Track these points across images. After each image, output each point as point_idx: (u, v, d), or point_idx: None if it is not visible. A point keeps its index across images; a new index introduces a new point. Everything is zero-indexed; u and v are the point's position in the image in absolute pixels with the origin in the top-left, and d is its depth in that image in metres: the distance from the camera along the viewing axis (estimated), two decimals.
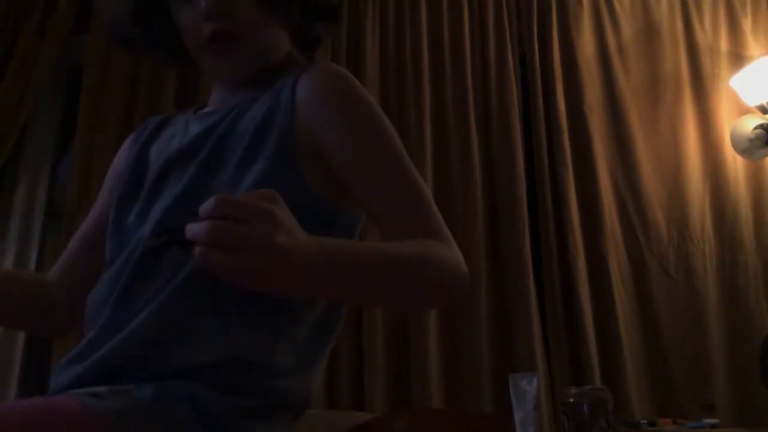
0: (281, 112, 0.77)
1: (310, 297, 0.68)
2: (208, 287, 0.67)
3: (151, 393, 0.63)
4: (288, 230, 0.56)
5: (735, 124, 2.31)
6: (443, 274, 0.71)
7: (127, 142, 0.97)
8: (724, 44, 2.43)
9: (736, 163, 2.28)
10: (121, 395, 0.62)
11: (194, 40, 0.82)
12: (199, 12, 0.79)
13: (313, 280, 0.60)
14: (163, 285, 0.70)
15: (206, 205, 0.53)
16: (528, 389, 1.55)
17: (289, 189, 0.70)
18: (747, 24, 2.46)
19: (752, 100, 2.26)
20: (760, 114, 2.26)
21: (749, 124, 2.27)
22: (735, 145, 2.29)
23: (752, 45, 2.43)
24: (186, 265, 0.69)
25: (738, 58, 2.39)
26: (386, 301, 0.70)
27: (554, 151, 2.26)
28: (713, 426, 1.72)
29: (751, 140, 2.24)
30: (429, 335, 2.03)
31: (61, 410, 0.58)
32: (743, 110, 2.32)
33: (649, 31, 2.45)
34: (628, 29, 2.45)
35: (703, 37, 2.43)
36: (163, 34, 0.86)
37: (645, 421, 1.77)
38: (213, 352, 0.67)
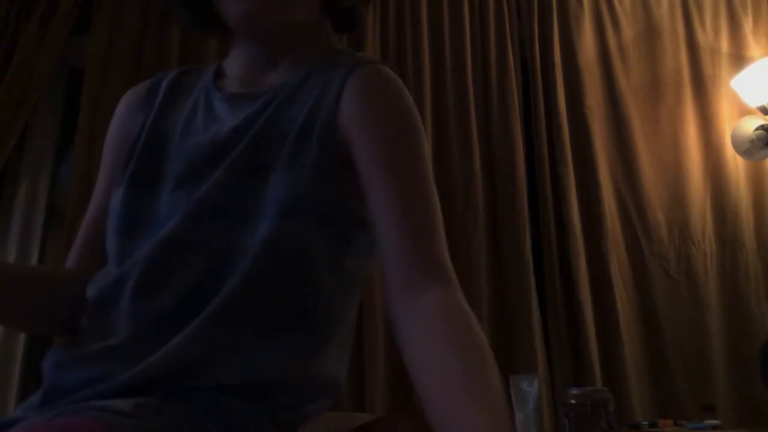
0: (323, 113, 0.73)
1: None
2: (243, 312, 0.67)
3: (181, 404, 0.62)
4: None
5: (736, 125, 2.31)
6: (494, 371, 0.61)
7: (133, 99, 0.85)
8: (725, 45, 2.43)
9: (737, 164, 2.28)
10: (148, 410, 0.60)
11: None
12: None
13: None
14: (194, 302, 0.67)
15: None
16: (529, 390, 1.55)
17: (329, 199, 0.71)
18: (748, 25, 2.46)
19: (753, 101, 2.26)
20: (761, 115, 2.26)
21: (750, 125, 2.27)
22: (736, 146, 2.29)
23: (753, 46, 2.43)
24: (222, 288, 0.66)
25: (739, 59, 2.39)
26: None
27: (555, 152, 2.26)
28: (714, 427, 1.72)
29: (752, 141, 2.24)
30: None
31: None
32: (744, 111, 2.32)
33: (650, 31, 2.45)
34: (628, 30, 2.45)
35: (704, 38, 2.43)
36: None
37: (646, 422, 1.77)
38: (243, 373, 0.66)
